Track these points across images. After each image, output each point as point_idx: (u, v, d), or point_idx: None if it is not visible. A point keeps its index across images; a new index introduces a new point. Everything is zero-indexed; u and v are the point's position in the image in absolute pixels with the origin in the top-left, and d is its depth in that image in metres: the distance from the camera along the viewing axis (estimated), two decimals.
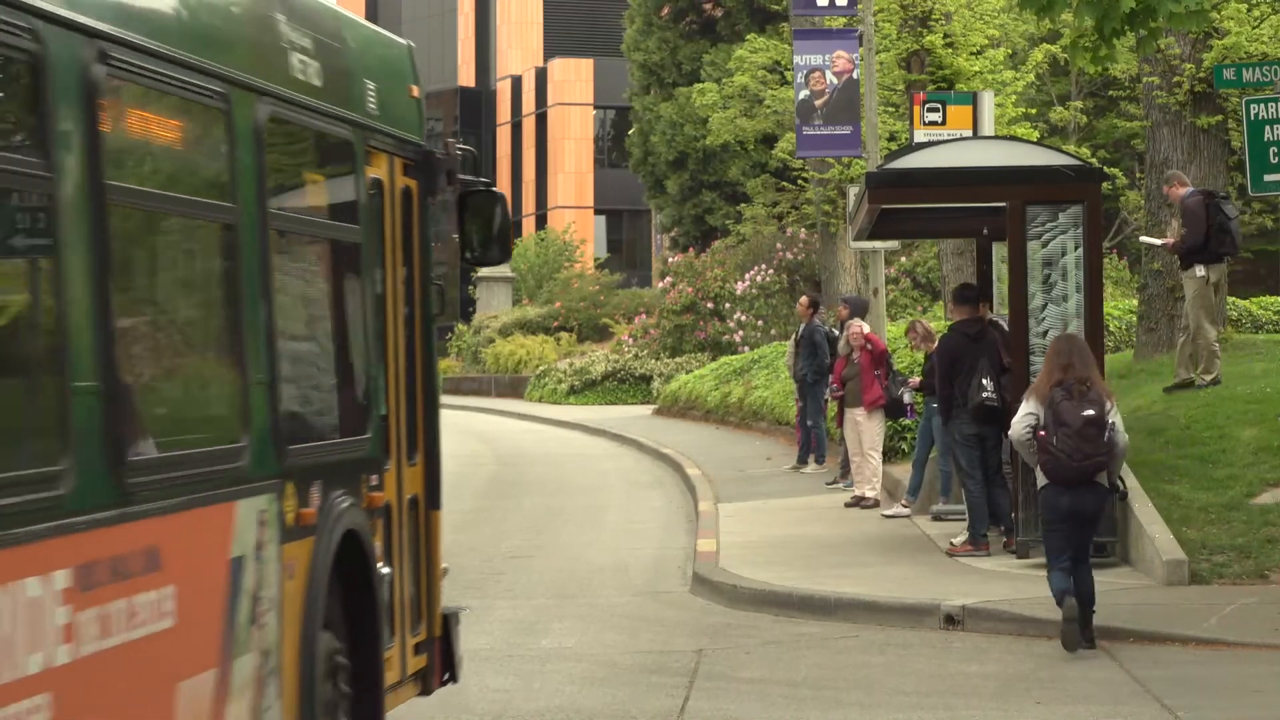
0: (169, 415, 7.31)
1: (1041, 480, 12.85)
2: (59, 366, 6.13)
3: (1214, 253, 18.65)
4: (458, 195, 10.23)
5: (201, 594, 7.10)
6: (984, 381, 16.37)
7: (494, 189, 10.46)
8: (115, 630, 6.35)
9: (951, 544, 16.87)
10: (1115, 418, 12.73)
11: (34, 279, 6.19)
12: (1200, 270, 18.63)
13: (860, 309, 22.13)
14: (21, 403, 6.13)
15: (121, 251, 6.69)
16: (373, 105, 9.23)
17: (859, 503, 20.52)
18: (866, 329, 21.05)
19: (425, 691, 9.94)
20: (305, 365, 8.57)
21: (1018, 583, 14.85)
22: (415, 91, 10.01)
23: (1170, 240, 19.30)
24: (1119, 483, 13.01)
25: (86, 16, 6.38)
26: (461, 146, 10.29)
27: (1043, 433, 12.62)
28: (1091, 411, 12.51)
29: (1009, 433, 13.38)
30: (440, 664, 10.01)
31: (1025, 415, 12.80)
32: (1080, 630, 12.83)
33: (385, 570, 9.16)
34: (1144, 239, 21.64)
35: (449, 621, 10.10)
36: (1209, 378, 18.76)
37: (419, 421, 9.88)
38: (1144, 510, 15.46)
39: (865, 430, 20.53)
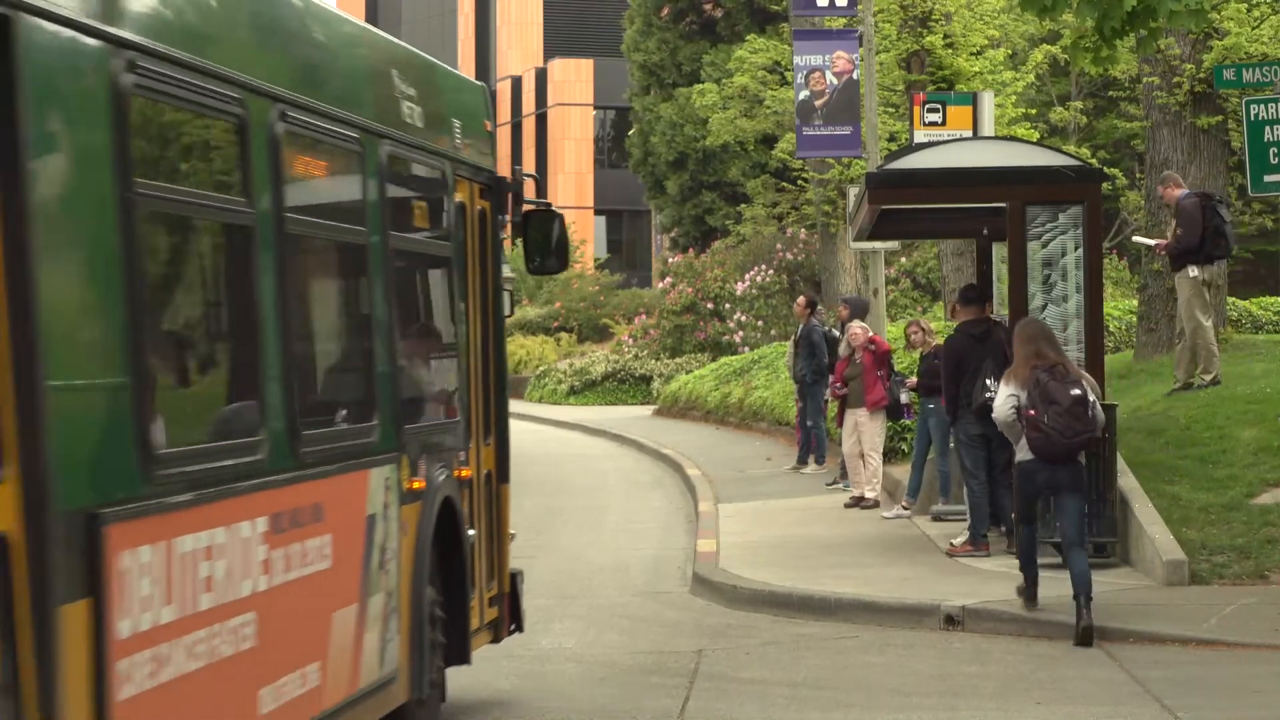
0: (325, 399, 8.97)
1: (1022, 455, 13.28)
2: (257, 360, 7.69)
3: (1207, 254, 18.65)
4: (522, 214, 12.02)
5: (348, 542, 8.68)
6: (988, 382, 16.35)
7: (553, 208, 12.16)
8: (294, 567, 7.90)
9: (951, 544, 16.87)
10: (1093, 395, 13.33)
11: (244, 295, 7.66)
12: (1193, 271, 18.63)
13: (860, 310, 22.12)
14: (234, 386, 7.78)
15: (296, 271, 8.18)
16: (458, 140, 10.91)
17: (859, 503, 20.50)
18: (870, 331, 21.03)
19: (496, 639, 11.51)
20: (414, 359, 10.19)
21: (1018, 583, 14.82)
22: (488, 126, 11.70)
23: (1164, 241, 19.29)
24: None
25: (276, 84, 7.91)
26: (526, 173, 12.08)
27: (1032, 411, 13.08)
28: (1078, 390, 13.09)
29: (993, 414, 13.65)
30: (509, 616, 11.65)
31: (1008, 397, 13.33)
32: (1078, 627, 13.05)
33: (471, 533, 10.75)
34: (1138, 239, 21.63)
35: (515, 580, 11.75)
36: (1209, 377, 18.75)
37: (492, 407, 11.53)
38: (1144, 511, 15.46)
39: (866, 431, 20.51)
